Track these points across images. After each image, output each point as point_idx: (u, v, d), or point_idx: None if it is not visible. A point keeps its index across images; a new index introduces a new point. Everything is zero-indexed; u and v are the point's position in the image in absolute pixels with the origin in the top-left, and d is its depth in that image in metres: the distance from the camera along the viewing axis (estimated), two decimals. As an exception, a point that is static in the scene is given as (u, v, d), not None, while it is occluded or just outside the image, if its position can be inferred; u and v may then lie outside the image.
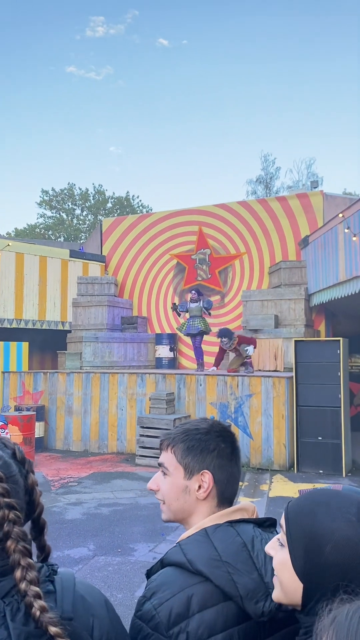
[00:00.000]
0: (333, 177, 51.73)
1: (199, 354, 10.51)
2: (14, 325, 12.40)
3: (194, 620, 1.03)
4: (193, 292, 10.68)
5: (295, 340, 8.81)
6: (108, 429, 10.08)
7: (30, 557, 0.88)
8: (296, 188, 24.19)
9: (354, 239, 8.48)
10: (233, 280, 13.50)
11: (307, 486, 7.51)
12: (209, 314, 10.56)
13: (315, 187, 15.73)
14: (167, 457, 1.25)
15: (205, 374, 9.51)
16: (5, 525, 0.87)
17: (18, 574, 0.84)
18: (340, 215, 9.04)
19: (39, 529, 0.99)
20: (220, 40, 50.55)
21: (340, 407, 8.25)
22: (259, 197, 26.46)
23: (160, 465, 1.27)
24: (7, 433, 9.04)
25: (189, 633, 1.02)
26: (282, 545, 0.97)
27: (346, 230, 8.78)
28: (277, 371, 10.10)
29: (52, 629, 0.81)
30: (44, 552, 1.00)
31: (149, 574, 1.16)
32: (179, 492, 1.22)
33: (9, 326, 12.31)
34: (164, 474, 1.25)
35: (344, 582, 0.88)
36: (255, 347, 9.64)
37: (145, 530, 5.64)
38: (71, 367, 11.63)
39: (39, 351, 14.39)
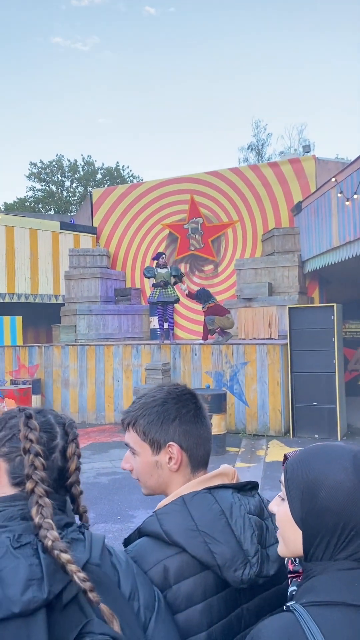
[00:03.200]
0: (325, 142, 50.98)
1: (172, 324, 10.25)
2: (7, 299, 12.32)
3: (171, 593, 1.02)
4: (163, 256, 10.14)
5: (290, 308, 8.80)
6: (105, 400, 10.14)
7: (48, 498, 0.92)
8: (288, 154, 23.85)
9: (347, 203, 8.39)
10: (226, 249, 13.41)
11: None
12: (181, 282, 10.11)
13: (307, 152, 15.48)
14: (131, 437, 1.21)
15: (201, 344, 9.52)
16: (28, 467, 0.94)
17: (34, 510, 0.90)
18: (333, 179, 8.92)
19: (72, 496, 1.04)
20: (208, 7, 49.01)
21: (334, 372, 8.31)
22: (251, 164, 26.12)
23: (127, 445, 1.22)
24: (4, 407, 9.08)
25: (167, 604, 1.01)
26: (283, 499, 0.99)
27: (339, 195, 8.67)
28: (272, 339, 10.12)
29: (64, 556, 0.84)
30: (82, 519, 1.05)
31: (126, 542, 1.15)
32: (151, 468, 1.18)
33: (1, 300, 12.23)
34: (133, 453, 1.21)
35: (339, 525, 0.90)
36: (228, 321, 9.48)
37: (144, 498, 5.71)
38: (66, 340, 11.61)
39: (33, 325, 14.36)
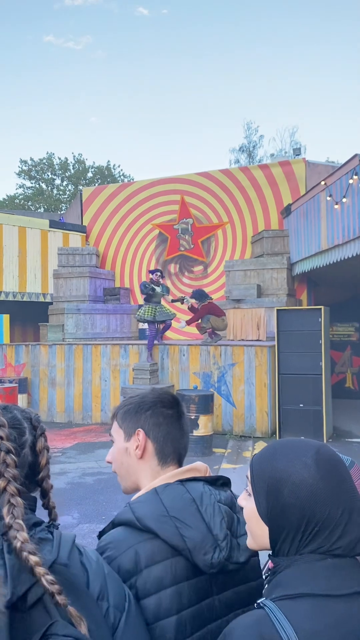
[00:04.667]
0: (316, 145, 51.32)
1: (158, 335, 9.81)
2: (-6, 297, 12.22)
3: (142, 576, 1.05)
4: (158, 273, 9.90)
5: (278, 310, 8.83)
6: (92, 400, 10.09)
7: (20, 497, 0.92)
8: (279, 156, 23.93)
9: (336, 207, 8.43)
10: (216, 250, 13.42)
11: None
12: (168, 300, 10.01)
13: (297, 155, 15.56)
14: (114, 426, 1.30)
15: (189, 344, 9.52)
16: None
17: (5, 509, 0.89)
18: (323, 183, 8.96)
19: (43, 490, 1.05)
20: (200, 10, 49.07)
21: (321, 374, 8.34)
22: (242, 166, 26.21)
23: (110, 435, 1.32)
24: (-11, 406, 9.01)
25: (138, 588, 1.04)
26: (249, 494, 1.01)
27: (328, 199, 8.72)
28: (260, 340, 10.15)
29: (32, 558, 0.84)
30: (51, 515, 1.06)
31: (100, 534, 1.17)
32: (121, 455, 1.26)
33: (-12, 298, 12.13)
34: (114, 443, 1.29)
35: (303, 521, 0.92)
36: (189, 322, 9.40)
37: (129, 498, 5.70)
38: (53, 339, 11.54)
39: (21, 323, 14.26)
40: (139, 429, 1.23)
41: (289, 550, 0.94)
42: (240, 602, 1.14)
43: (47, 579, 0.83)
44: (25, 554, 0.84)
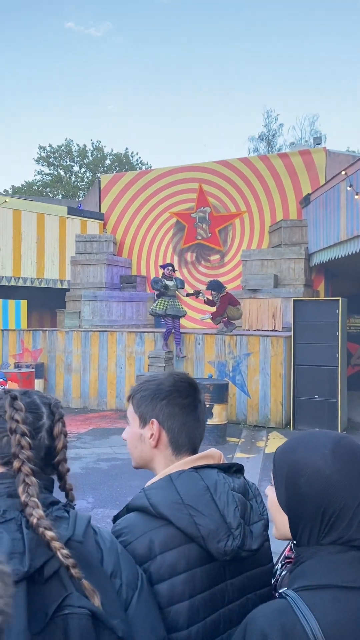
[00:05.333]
0: (336, 135, 50.49)
1: (180, 339, 9.59)
2: (12, 283, 12.34)
3: (156, 562, 1.06)
4: (170, 267, 9.71)
5: (294, 300, 8.78)
6: (107, 387, 10.18)
7: (35, 477, 0.95)
8: (299, 145, 23.63)
9: (357, 197, 8.32)
10: (233, 239, 13.36)
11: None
12: (183, 295, 9.87)
13: (318, 144, 15.33)
14: (129, 409, 1.31)
15: (204, 334, 9.53)
16: (14, 447, 0.97)
17: (20, 489, 0.93)
18: (343, 172, 8.84)
19: (59, 473, 1.07)
20: (223, -10, 48.29)
21: (337, 366, 8.30)
22: (261, 154, 25.91)
23: (126, 417, 1.33)
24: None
25: (152, 573, 1.06)
26: (272, 484, 1.04)
27: (348, 189, 8.60)
28: (276, 331, 10.12)
29: (48, 534, 0.87)
30: (68, 497, 1.09)
31: (115, 519, 1.19)
32: (136, 440, 1.27)
33: (7, 284, 12.25)
34: (128, 424, 1.31)
35: (320, 511, 0.94)
36: (214, 315, 9.31)
37: (143, 484, 5.76)
38: (70, 325, 11.63)
39: (38, 309, 14.39)
40: (154, 419, 1.24)
41: (309, 540, 0.96)
42: (252, 586, 1.16)
43: (62, 552, 0.86)
44: (41, 529, 0.87)
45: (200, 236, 13.66)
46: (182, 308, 9.70)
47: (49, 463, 1.05)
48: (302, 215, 12.18)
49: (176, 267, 9.81)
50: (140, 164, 34.71)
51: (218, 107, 55.14)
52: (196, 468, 1.18)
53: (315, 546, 0.95)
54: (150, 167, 31.87)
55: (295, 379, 8.60)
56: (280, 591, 0.92)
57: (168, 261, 13.83)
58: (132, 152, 35.11)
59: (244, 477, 1.25)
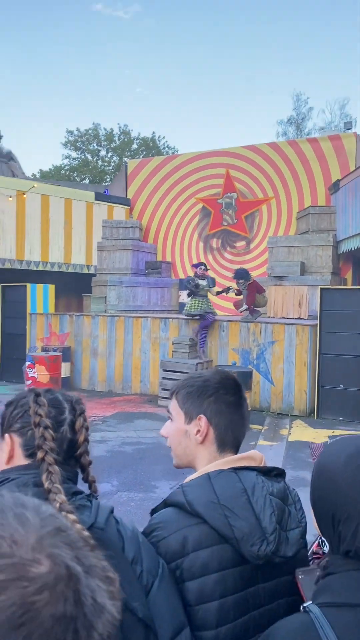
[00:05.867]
0: (369, 118, 49.05)
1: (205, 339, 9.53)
2: (41, 267, 12.52)
3: (188, 559, 1.07)
4: (202, 266, 9.66)
5: (321, 288, 8.69)
6: (132, 371, 10.30)
7: (57, 466, 0.99)
8: (328, 129, 23.13)
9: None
10: (259, 226, 13.23)
11: (326, 432, 7.63)
12: (213, 294, 9.70)
13: (348, 129, 15.00)
14: (172, 404, 1.31)
15: (229, 321, 9.52)
16: (38, 439, 1.02)
17: (44, 477, 0.97)
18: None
19: (81, 465, 1.12)
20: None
21: (363, 356, 8.21)
22: (290, 139, 25.46)
23: (167, 411, 1.33)
24: (34, 372, 9.34)
25: (183, 570, 1.07)
26: None
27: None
28: (301, 319, 10.04)
29: (70, 517, 0.89)
30: (91, 488, 1.13)
31: (153, 512, 1.22)
32: (180, 436, 1.27)
33: (35, 268, 12.43)
34: (170, 419, 1.32)
35: (330, 515, 0.95)
36: (248, 303, 9.20)
37: (167, 469, 5.86)
38: (96, 310, 11.77)
39: (65, 294, 14.56)
40: (202, 415, 1.24)
41: (331, 542, 0.96)
42: (284, 592, 1.15)
43: (83, 535, 0.88)
44: (64, 513, 0.89)
45: (226, 222, 13.58)
46: (213, 309, 9.63)
47: (72, 455, 1.10)
48: (331, 202, 11.98)
49: (204, 260, 9.67)
50: (167, 148, 34.50)
51: (247, 90, 54.25)
52: (235, 469, 1.18)
53: (341, 557, 0.94)
54: (177, 152, 31.63)
55: (320, 368, 8.55)
56: (305, 605, 0.91)
57: (194, 247, 13.82)
58: (159, 136, 34.92)
59: (284, 482, 1.24)
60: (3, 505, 0.52)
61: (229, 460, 1.22)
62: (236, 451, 1.28)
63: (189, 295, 9.60)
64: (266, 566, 1.11)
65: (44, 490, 0.97)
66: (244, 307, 9.29)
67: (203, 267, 9.67)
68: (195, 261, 13.62)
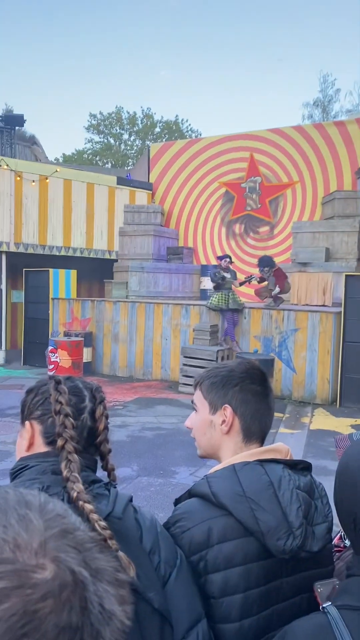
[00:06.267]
0: None
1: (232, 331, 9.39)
2: (63, 252, 12.56)
3: (212, 551, 1.07)
4: (227, 259, 9.60)
5: (347, 275, 8.53)
6: (152, 357, 10.31)
7: (77, 455, 0.99)
8: (356, 112, 22.55)
9: None
10: (284, 211, 13.02)
11: (348, 421, 7.54)
12: (236, 286, 9.55)
13: (378, 110, 14.57)
14: (197, 395, 1.30)
15: (250, 308, 9.43)
16: (58, 426, 1.02)
17: (63, 465, 0.97)
18: None
19: (101, 453, 1.11)
20: None
21: (388, 344, 8.05)
22: (316, 122, 24.92)
23: (192, 403, 1.32)
24: (57, 357, 9.42)
25: (208, 561, 1.06)
26: None
27: None
28: (325, 306, 9.88)
29: (87, 507, 0.90)
30: (110, 476, 1.12)
31: (177, 502, 1.20)
32: (205, 426, 1.26)
33: (57, 254, 12.48)
34: (195, 410, 1.30)
35: (344, 515, 0.95)
36: (281, 290, 9.14)
37: (187, 455, 5.86)
38: (117, 295, 11.78)
39: (87, 279, 14.61)
40: (227, 405, 1.23)
41: (353, 544, 0.95)
42: (308, 586, 1.14)
43: (100, 524, 0.88)
44: (81, 502, 0.90)
45: (249, 207, 13.39)
46: (241, 301, 9.53)
47: (92, 443, 1.09)
48: (357, 187, 11.70)
49: (226, 245, 9.54)
50: (190, 132, 34.14)
51: (272, 71, 53.18)
52: (261, 461, 1.16)
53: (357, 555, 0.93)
54: (200, 135, 31.28)
55: (344, 356, 8.42)
56: (324, 606, 0.90)
57: (216, 233, 13.68)
58: (182, 120, 34.56)
59: (311, 476, 1.22)
60: (6, 505, 0.49)
61: (254, 452, 1.20)
62: (262, 442, 1.26)
63: (215, 288, 9.44)
64: (290, 560, 1.10)
65: (62, 478, 0.96)
66: (277, 289, 9.12)
67: (228, 260, 9.58)
68: (217, 247, 13.54)
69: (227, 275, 9.41)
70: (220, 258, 9.75)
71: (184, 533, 1.09)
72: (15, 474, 1.05)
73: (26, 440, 1.08)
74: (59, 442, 1.00)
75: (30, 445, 1.08)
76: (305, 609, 1.12)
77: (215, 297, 9.35)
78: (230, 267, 9.61)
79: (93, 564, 0.48)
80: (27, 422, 1.10)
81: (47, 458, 1.03)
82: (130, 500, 1.06)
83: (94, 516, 0.89)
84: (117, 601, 0.48)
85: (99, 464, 1.12)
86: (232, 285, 9.50)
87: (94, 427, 1.08)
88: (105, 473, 1.12)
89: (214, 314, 9.67)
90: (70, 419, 1.02)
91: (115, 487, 1.07)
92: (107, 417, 1.10)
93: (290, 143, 12.85)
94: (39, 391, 1.11)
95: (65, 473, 0.96)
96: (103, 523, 0.89)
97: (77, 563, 0.46)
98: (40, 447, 1.07)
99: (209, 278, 9.48)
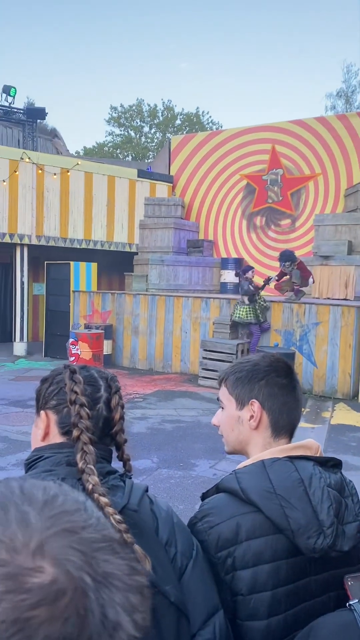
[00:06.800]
0: None
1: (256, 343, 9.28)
2: (84, 245, 12.63)
3: (241, 547, 1.05)
4: (252, 270, 9.45)
5: (369, 269, 8.39)
6: (172, 350, 10.33)
7: (92, 446, 0.98)
8: (381, 101, 22.09)
9: None
10: (306, 203, 12.86)
11: (370, 416, 7.44)
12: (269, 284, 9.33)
13: None
14: (222, 391, 1.28)
15: (271, 301, 9.36)
16: (74, 417, 1.00)
17: (79, 456, 0.96)
18: None
19: (116, 443, 1.10)
20: None
21: None
22: (339, 113, 24.53)
23: (218, 400, 1.30)
24: (77, 349, 9.50)
25: (236, 558, 1.05)
26: None
27: None
28: (347, 300, 9.76)
29: (102, 500, 0.89)
30: (125, 467, 1.11)
31: (204, 496, 1.19)
32: (233, 423, 1.25)
33: (78, 246, 12.55)
34: (221, 408, 1.28)
35: None
36: (307, 281, 9.01)
37: (207, 448, 5.87)
38: (137, 288, 11.81)
39: (107, 272, 14.69)
40: (254, 400, 1.21)
41: None
42: (336, 584, 1.12)
43: (115, 518, 0.87)
44: (96, 495, 0.89)
45: (271, 199, 13.26)
46: (268, 305, 9.36)
47: (107, 434, 1.07)
48: (382, 178, 11.49)
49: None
50: (210, 124, 33.93)
51: (294, 61, 52.44)
52: (291, 458, 1.14)
53: None
54: (221, 127, 31.04)
55: (365, 351, 8.31)
56: (350, 603, 0.89)
57: (237, 225, 13.58)
58: (202, 112, 34.35)
59: (341, 473, 1.20)
60: (8, 499, 0.45)
61: (284, 449, 1.18)
62: (291, 436, 1.24)
63: (250, 301, 9.14)
64: (319, 559, 1.08)
65: (77, 469, 0.96)
66: (311, 281, 9.01)
67: (252, 271, 9.44)
68: (237, 239, 13.46)
69: (257, 288, 9.14)
70: (245, 271, 9.44)
71: (211, 529, 1.08)
72: (29, 464, 1.04)
73: (41, 430, 1.07)
74: (75, 433, 0.99)
75: (46, 435, 1.07)
76: (332, 608, 1.10)
77: (244, 311, 9.08)
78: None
79: (100, 568, 0.43)
80: (42, 412, 1.09)
81: (62, 449, 1.02)
82: (146, 490, 1.05)
83: (109, 510, 0.88)
84: (125, 610, 0.42)
85: (115, 454, 1.11)
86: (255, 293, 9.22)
87: (109, 417, 1.07)
88: (121, 463, 1.12)
89: (245, 331, 9.46)
90: (86, 409, 1.01)
91: (130, 478, 1.06)
92: (122, 407, 1.09)
93: (313, 134, 12.67)
94: (53, 380, 1.10)
95: (80, 465, 0.95)
96: (118, 517, 0.88)
97: (78, 567, 0.41)
98: (56, 437, 1.06)
99: (242, 290, 9.11)
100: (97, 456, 0.98)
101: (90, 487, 0.91)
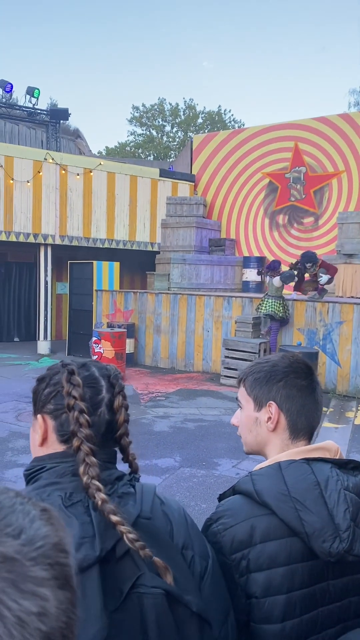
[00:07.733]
0: None
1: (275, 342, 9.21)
2: (106, 245, 12.73)
3: (255, 550, 1.04)
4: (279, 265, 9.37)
5: (394, 267, 8.26)
6: (194, 349, 10.33)
7: (94, 457, 0.92)
8: None
9: None
10: (329, 201, 12.72)
11: (395, 417, 7.33)
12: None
13: None
14: (241, 392, 1.27)
15: (294, 299, 9.30)
16: (73, 424, 0.94)
17: (81, 469, 0.91)
18: None
19: (121, 447, 1.04)
20: None
21: None
22: (363, 108, 24.18)
23: (237, 400, 1.29)
24: (100, 348, 9.58)
25: (250, 560, 1.04)
26: None
27: None
28: (371, 299, 9.63)
29: (113, 518, 0.85)
30: (132, 467, 1.06)
31: (220, 498, 1.18)
32: (250, 424, 1.23)
33: (101, 246, 12.65)
34: (240, 408, 1.27)
35: None
36: (333, 277, 8.97)
37: (229, 447, 5.87)
38: (159, 287, 11.85)
39: (129, 271, 14.77)
40: (272, 401, 1.19)
41: None
42: (355, 589, 1.10)
43: (129, 537, 0.83)
44: (105, 513, 0.86)
45: (293, 197, 13.15)
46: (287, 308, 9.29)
47: (111, 438, 1.01)
48: None
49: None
50: (232, 122, 33.79)
51: (317, 57, 51.84)
52: (308, 460, 1.13)
53: None
54: (244, 125, 30.88)
55: (390, 350, 8.18)
56: None
57: (259, 224, 13.51)
58: (224, 110, 34.24)
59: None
60: None
61: (301, 450, 1.16)
62: (310, 438, 1.22)
63: (295, 288, 9.14)
64: (337, 563, 1.05)
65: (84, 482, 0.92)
66: (326, 278, 8.93)
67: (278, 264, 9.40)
68: (260, 238, 13.39)
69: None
70: (274, 267, 9.30)
71: (226, 530, 1.07)
72: (30, 475, 0.98)
73: (39, 435, 1.00)
74: (75, 443, 0.93)
75: (44, 440, 1.00)
76: (352, 613, 1.08)
77: (273, 305, 8.92)
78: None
79: (16, 605, 0.39)
80: (39, 416, 1.02)
81: (65, 459, 0.96)
82: (155, 491, 1.00)
83: (122, 528, 0.84)
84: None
85: (119, 456, 1.06)
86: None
87: (112, 420, 1.00)
88: (126, 465, 1.07)
89: (256, 305, 9.53)
90: (85, 415, 0.94)
91: (138, 480, 1.02)
92: (126, 409, 1.02)
93: (336, 131, 12.52)
94: (50, 381, 1.02)
95: (85, 480, 0.90)
96: (132, 535, 0.84)
97: None
98: (54, 443, 0.99)
99: (283, 277, 8.92)
100: (102, 461, 0.94)
101: (99, 503, 0.86)
